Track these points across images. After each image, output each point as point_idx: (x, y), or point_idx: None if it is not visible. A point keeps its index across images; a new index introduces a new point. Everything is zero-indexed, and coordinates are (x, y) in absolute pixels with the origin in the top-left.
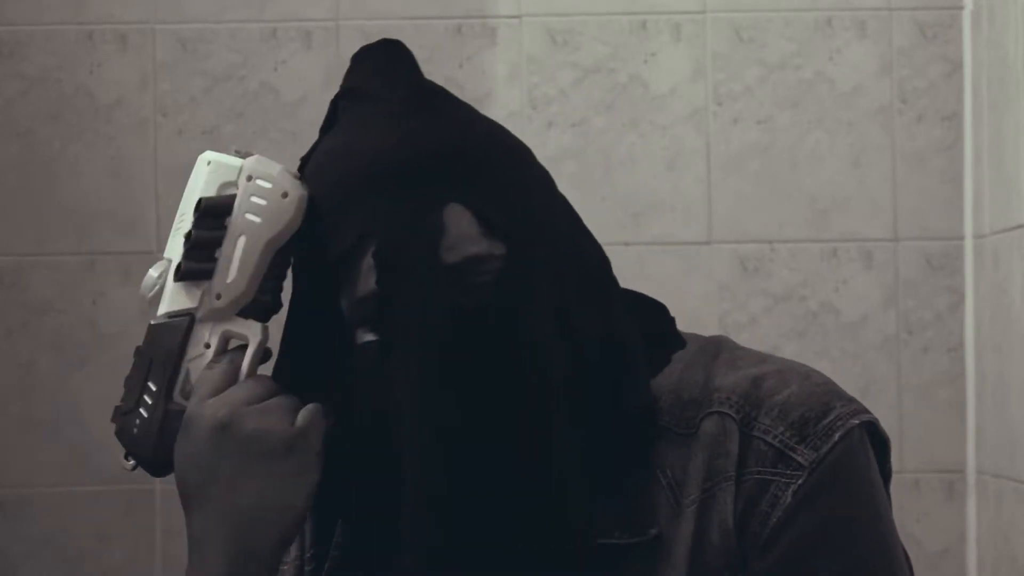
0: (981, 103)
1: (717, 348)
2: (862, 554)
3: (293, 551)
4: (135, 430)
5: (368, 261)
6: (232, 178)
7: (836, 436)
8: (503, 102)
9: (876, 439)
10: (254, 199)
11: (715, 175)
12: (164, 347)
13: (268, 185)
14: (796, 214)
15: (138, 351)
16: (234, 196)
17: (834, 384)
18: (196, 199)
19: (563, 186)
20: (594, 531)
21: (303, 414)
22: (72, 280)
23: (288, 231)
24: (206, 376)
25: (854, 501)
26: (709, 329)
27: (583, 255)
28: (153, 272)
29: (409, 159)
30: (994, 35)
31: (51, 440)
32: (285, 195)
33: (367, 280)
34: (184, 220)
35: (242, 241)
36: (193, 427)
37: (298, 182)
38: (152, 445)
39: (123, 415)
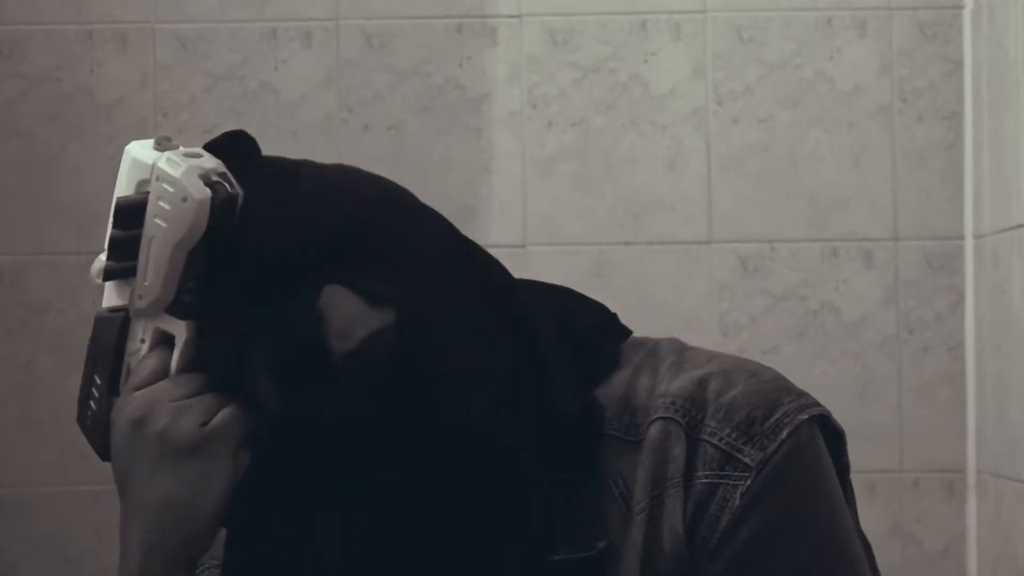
0: (981, 103)
1: (665, 352)
2: (815, 552)
3: None
4: (88, 422)
5: (266, 376)
6: (147, 176)
7: (783, 433)
8: (503, 102)
9: (829, 432)
10: (160, 202)
11: (715, 175)
12: (105, 341)
13: (170, 189)
14: (796, 214)
15: (89, 344)
16: (147, 195)
17: (783, 380)
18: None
19: (563, 186)
20: (536, 547)
21: (219, 416)
22: (72, 280)
23: (193, 235)
24: (135, 371)
25: (804, 498)
26: (709, 329)
27: (477, 286)
28: (96, 264)
29: (270, 256)
30: (994, 35)
31: (51, 440)
32: (185, 199)
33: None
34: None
35: (153, 244)
36: (115, 421)
37: (201, 183)
38: (101, 436)
39: (79, 406)
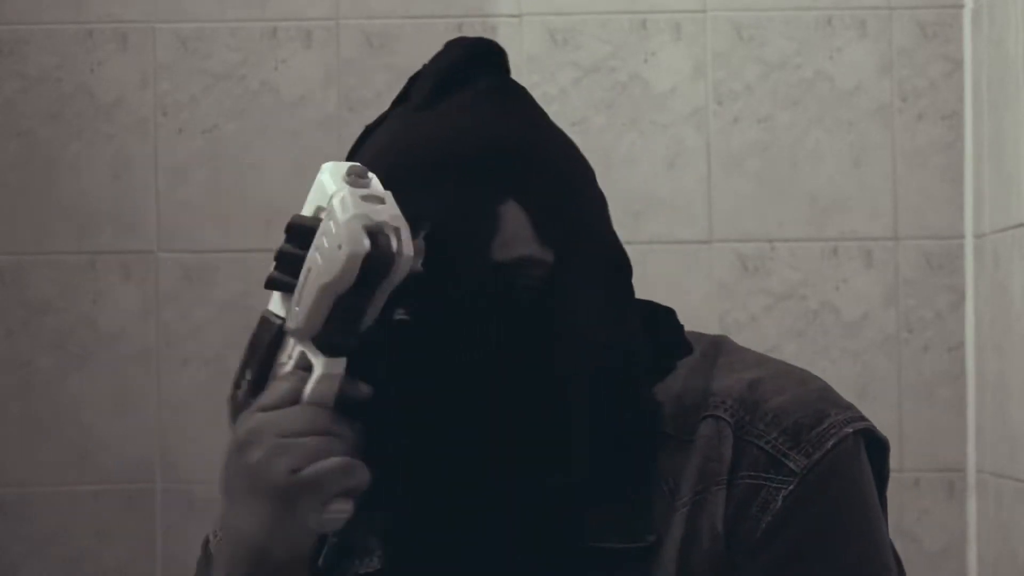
0: (981, 102)
1: (716, 351)
2: (851, 561)
3: None
4: (233, 408)
5: (419, 243)
6: (324, 203)
7: (829, 444)
8: None
9: (873, 442)
10: (323, 238)
11: (715, 174)
12: (260, 342)
13: (332, 230)
14: (796, 213)
15: (250, 336)
16: (318, 223)
17: (830, 390)
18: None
19: None
20: (588, 535)
21: (316, 466)
22: (72, 279)
23: (341, 283)
24: (269, 388)
25: (844, 508)
26: (710, 329)
27: (618, 271)
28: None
29: (473, 151)
30: (994, 34)
31: (51, 439)
32: (340, 247)
33: (414, 260)
34: None
35: (309, 275)
36: (232, 432)
37: (363, 235)
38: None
39: (233, 388)
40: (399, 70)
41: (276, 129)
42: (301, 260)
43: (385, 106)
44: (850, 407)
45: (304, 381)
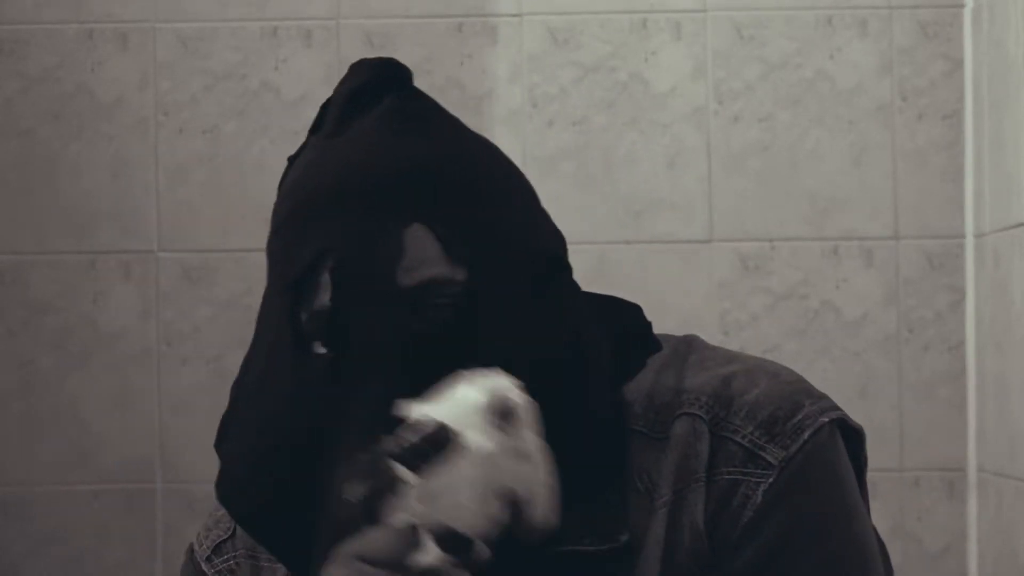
0: (982, 101)
1: (687, 349)
2: (835, 551)
3: None
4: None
5: (325, 277)
6: (453, 419)
7: (805, 434)
8: (504, 101)
9: (848, 431)
10: (449, 476)
11: (716, 173)
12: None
13: (461, 485)
14: (797, 212)
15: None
16: (440, 441)
17: (804, 381)
18: None
19: (563, 185)
20: (561, 539)
21: None
22: (72, 279)
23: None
24: (371, 537)
25: (825, 498)
26: (710, 328)
27: (551, 270)
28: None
29: (375, 176)
30: (995, 33)
31: (52, 439)
32: (469, 509)
33: (323, 295)
34: None
35: (428, 501)
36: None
37: (495, 508)
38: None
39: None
40: None
41: (276, 129)
42: (416, 462)
43: None
44: (823, 397)
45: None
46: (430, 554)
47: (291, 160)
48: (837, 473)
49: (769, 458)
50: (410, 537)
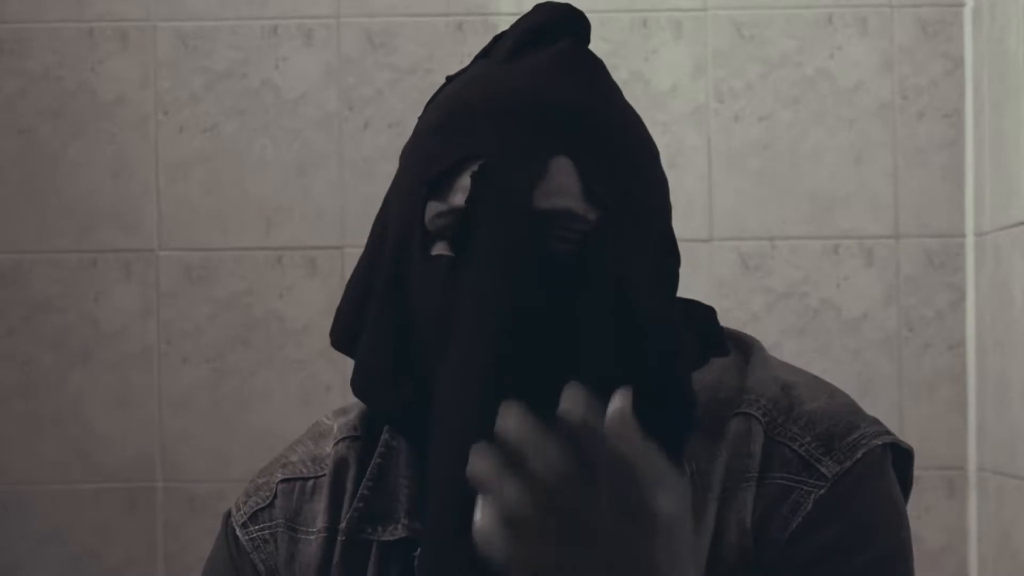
0: (982, 100)
1: (749, 351)
2: (884, 554)
3: (320, 523)
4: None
5: (465, 179)
6: None
7: (859, 453)
8: None
9: (900, 453)
10: None
11: (716, 172)
12: None
13: None
14: (797, 211)
15: None
16: None
17: (857, 405)
18: None
19: None
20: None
21: None
22: (73, 278)
23: None
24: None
25: (873, 514)
26: None
27: (668, 256)
28: None
29: (537, 103)
30: (995, 32)
31: (52, 437)
32: None
33: (458, 196)
34: None
35: None
36: None
37: None
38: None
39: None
40: (399, 68)
41: (277, 127)
42: None
43: (385, 105)
44: (876, 421)
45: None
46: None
47: (449, 78)
48: (886, 493)
49: (824, 470)
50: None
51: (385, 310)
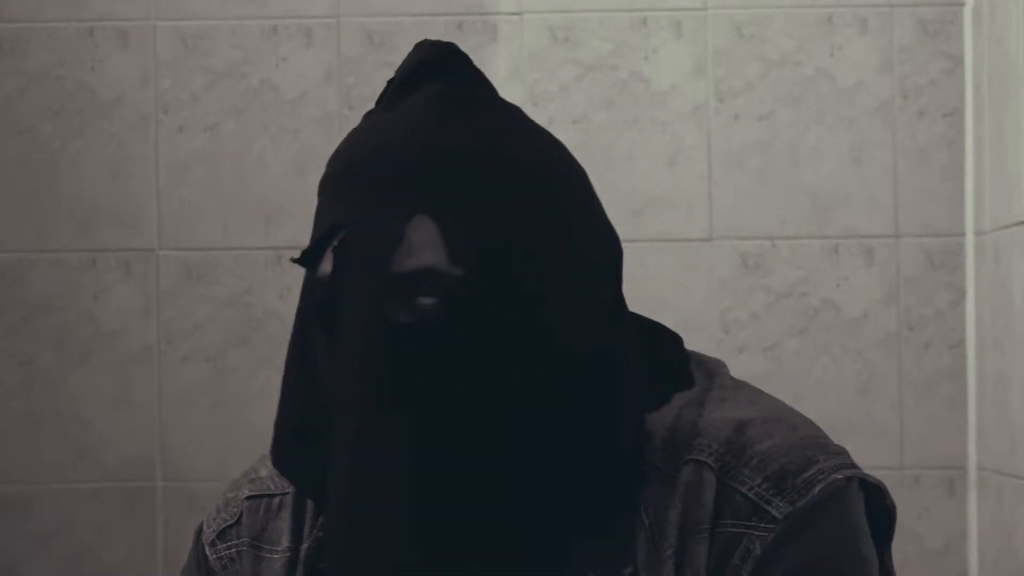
0: (982, 99)
1: (710, 384)
2: None
3: (284, 542)
4: None
5: (330, 252)
6: None
7: (815, 490)
8: (505, 98)
9: (869, 487)
10: None
11: (716, 172)
12: None
13: None
14: (797, 211)
15: None
16: None
17: (822, 436)
18: None
19: None
20: (566, 568)
21: None
22: (73, 277)
23: None
24: None
25: (827, 555)
26: (710, 326)
27: (591, 283)
28: None
29: (399, 159)
30: (995, 31)
31: (52, 437)
32: None
33: (326, 266)
34: None
35: None
36: None
37: None
38: None
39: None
40: None
41: (277, 127)
42: None
43: None
44: (840, 453)
45: None
46: None
47: (365, 116)
48: (843, 529)
49: (774, 512)
50: None
51: (288, 380)
